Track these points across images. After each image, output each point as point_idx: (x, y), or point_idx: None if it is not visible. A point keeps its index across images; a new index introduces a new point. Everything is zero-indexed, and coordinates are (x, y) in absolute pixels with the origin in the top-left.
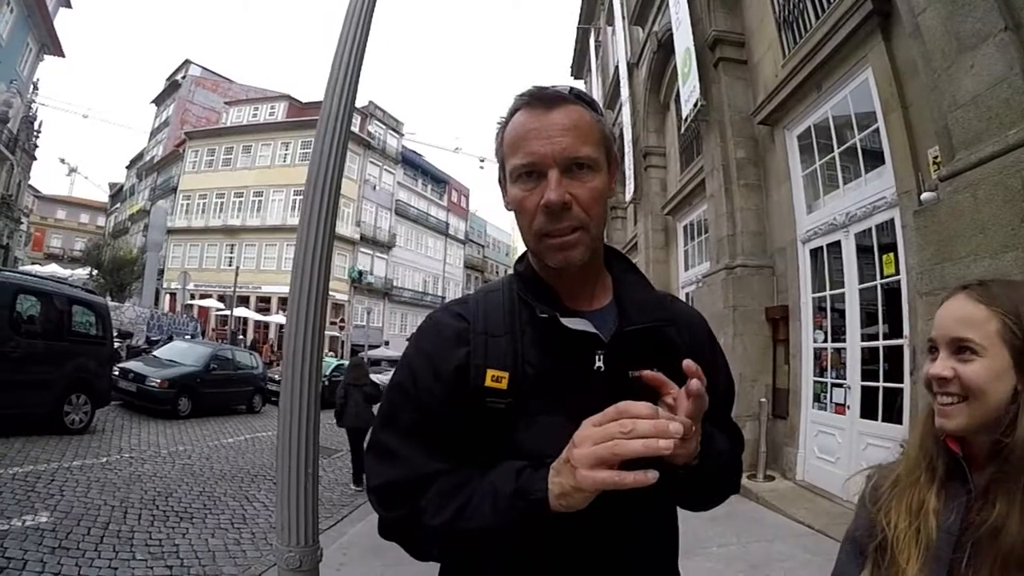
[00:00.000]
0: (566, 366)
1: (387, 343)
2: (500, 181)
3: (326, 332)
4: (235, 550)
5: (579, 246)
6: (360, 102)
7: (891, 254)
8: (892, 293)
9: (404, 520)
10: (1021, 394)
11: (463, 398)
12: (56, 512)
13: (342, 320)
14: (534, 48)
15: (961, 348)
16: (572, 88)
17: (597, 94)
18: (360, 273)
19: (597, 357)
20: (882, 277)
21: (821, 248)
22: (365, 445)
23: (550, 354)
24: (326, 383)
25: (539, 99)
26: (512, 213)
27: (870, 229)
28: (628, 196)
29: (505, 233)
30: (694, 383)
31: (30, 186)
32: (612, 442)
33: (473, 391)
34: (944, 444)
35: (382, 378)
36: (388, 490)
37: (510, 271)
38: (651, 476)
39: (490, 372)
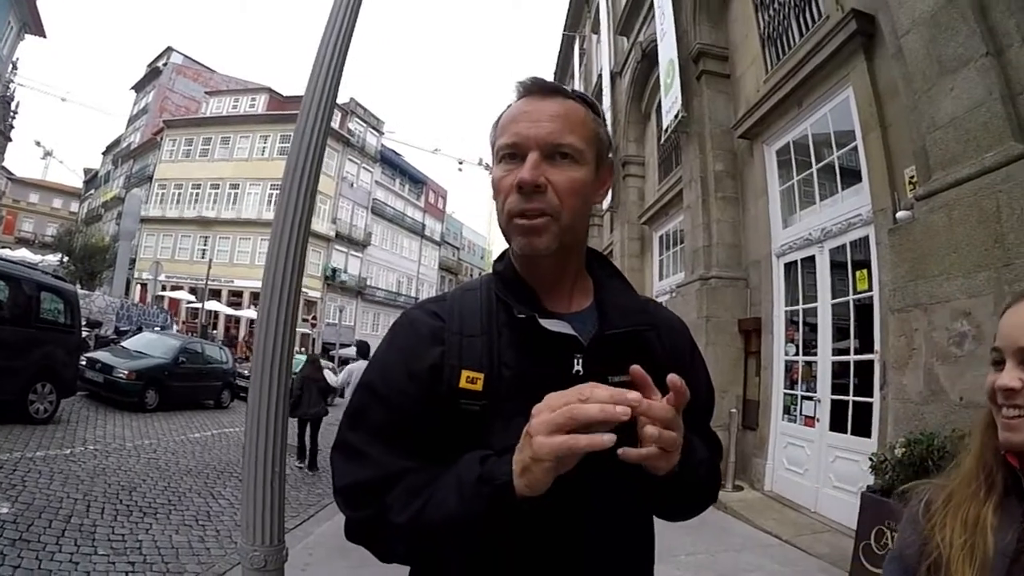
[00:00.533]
0: (543, 369)
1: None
2: (492, 170)
3: (298, 329)
4: (199, 547)
5: (545, 233)
6: (341, 99)
7: (864, 270)
8: (864, 309)
9: (370, 520)
10: None
11: (436, 398)
12: (17, 503)
13: (314, 317)
14: (517, 54)
15: None
16: (575, 90)
17: None
18: (334, 271)
19: (576, 360)
20: (855, 293)
21: (795, 262)
22: (332, 443)
23: (527, 356)
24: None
25: (537, 88)
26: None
27: (845, 245)
28: (605, 204)
29: (481, 236)
30: (675, 377)
31: (3, 168)
32: (568, 406)
33: (447, 392)
34: (1003, 458)
35: (333, 377)
36: (355, 490)
37: (485, 273)
38: (606, 439)
39: (465, 373)
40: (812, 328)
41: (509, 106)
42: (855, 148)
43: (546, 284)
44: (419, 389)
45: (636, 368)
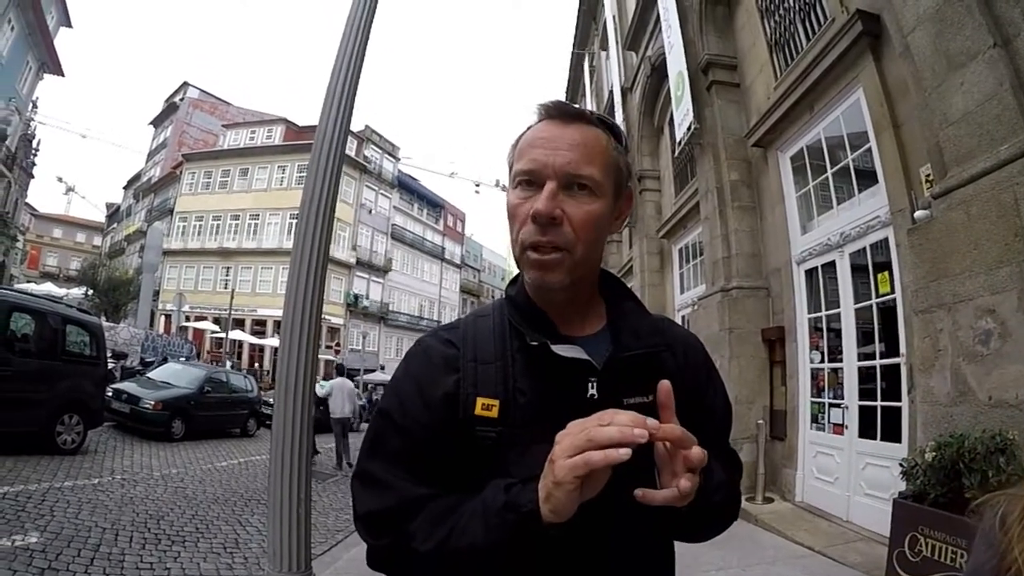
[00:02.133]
0: (558, 394)
1: (383, 367)
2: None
3: (322, 356)
4: (227, 575)
5: (558, 269)
6: (356, 126)
7: (886, 273)
8: (888, 312)
9: (393, 548)
10: None
11: (452, 426)
12: (46, 533)
13: (338, 344)
14: (529, 74)
15: None
16: (597, 113)
17: None
18: (356, 297)
19: (590, 384)
20: (877, 296)
21: (816, 268)
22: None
23: (542, 382)
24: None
25: (559, 112)
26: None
27: (864, 248)
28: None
29: (501, 257)
30: (664, 385)
31: (27, 204)
32: (586, 430)
33: (463, 419)
34: None
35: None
36: (376, 517)
37: (497, 299)
38: (622, 452)
39: (480, 400)
40: (836, 334)
41: (529, 128)
42: (869, 150)
43: (558, 308)
44: (435, 417)
45: (665, 383)
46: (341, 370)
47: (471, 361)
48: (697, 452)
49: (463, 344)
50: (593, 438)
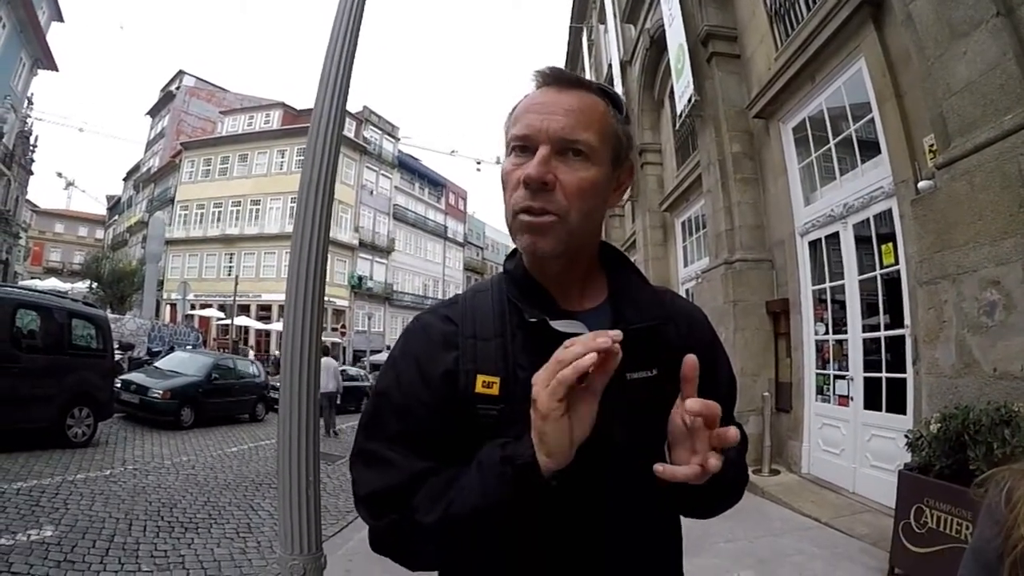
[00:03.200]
0: None
1: (388, 348)
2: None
3: (328, 339)
4: (241, 559)
5: (549, 235)
6: (355, 107)
7: (890, 244)
8: (892, 283)
9: (396, 525)
10: None
11: (452, 404)
12: (61, 526)
13: (343, 326)
14: (528, 49)
15: None
16: (597, 82)
17: None
18: (360, 279)
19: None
20: (882, 267)
21: (820, 240)
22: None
23: (542, 357)
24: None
25: (556, 79)
26: None
27: (868, 219)
28: (624, 196)
29: (504, 235)
30: (690, 359)
31: (28, 201)
32: (553, 359)
33: (463, 397)
34: None
35: None
36: (378, 496)
37: (496, 273)
38: (587, 359)
39: (481, 377)
40: (841, 306)
41: (526, 96)
42: (872, 120)
43: (557, 282)
44: (435, 395)
45: (691, 357)
46: (325, 350)
47: (470, 338)
48: (732, 432)
49: (462, 320)
50: (560, 359)
